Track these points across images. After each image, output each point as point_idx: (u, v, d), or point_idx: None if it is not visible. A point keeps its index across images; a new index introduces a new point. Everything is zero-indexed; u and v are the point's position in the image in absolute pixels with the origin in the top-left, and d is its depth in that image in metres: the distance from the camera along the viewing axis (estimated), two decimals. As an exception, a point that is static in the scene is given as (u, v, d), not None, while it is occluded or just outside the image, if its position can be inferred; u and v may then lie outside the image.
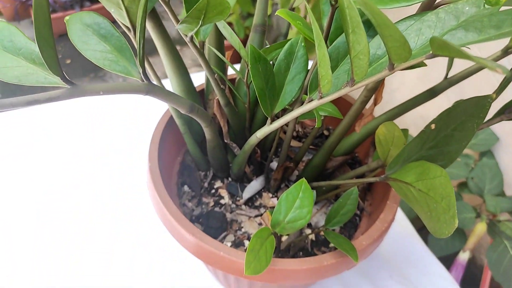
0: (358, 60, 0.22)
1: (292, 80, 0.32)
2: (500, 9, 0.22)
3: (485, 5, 0.21)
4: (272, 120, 0.33)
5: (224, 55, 0.40)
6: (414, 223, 0.67)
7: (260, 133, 0.34)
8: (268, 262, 0.29)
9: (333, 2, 0.27)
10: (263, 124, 0.45)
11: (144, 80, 0.28)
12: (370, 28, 0.29)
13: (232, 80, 0.47)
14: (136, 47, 0.29)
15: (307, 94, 0.32)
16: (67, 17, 0.29)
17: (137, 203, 0.56)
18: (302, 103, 0.35)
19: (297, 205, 0.30)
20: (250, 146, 0.37)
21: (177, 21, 0.29)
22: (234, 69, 0.35)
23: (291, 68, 0.32)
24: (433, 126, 0.31)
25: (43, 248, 0.50)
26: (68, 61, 1.90)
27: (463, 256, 0.81)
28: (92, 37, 0.28)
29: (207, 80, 0.43)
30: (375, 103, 0.37)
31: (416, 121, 1.04)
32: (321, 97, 0.27)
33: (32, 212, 0.54)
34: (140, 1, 0.28)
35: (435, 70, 1.05)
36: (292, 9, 0.41)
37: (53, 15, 1.84)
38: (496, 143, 0.86)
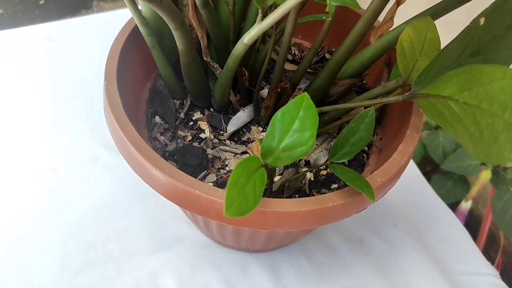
0: None
1: (292, -43, 0.23)
2: None
3: None
4: (264, 16, 0.24)
5: None
6: (419, 166, 0.61)
7: (248, 37, 0.26)
8: (257, 201, 0.21)
9: None
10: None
11: None
12: None
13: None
14: None
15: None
16: None
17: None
18: (304, -6, 0.26)
19: (296, 127, 0.23)
20: (235, 59, 0.29)
21: None
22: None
23: None
24: (482, 20, 0.23)
25: None
26: (42, 1, 1.74)
27: (465, 205, 0.76)
28: None
29: (181, -22, 0.34)
30: (397, 3, 0.28)
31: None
32: (336, -38, 0.18)
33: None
34: None
35: None
36: None
37: None
38: None
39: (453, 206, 0.81)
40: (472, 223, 0.97)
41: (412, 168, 0.53)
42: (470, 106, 0.20)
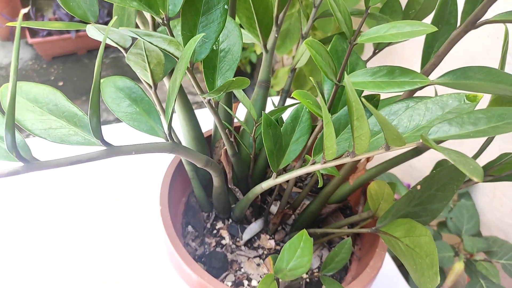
0: (360, 140, 0.26)
1: (297, 141, 0.36)
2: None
3: (465, 100, 0.26)
4: (278, 175, 0.36)
5: (231, 110, 0.44)
6: (395, 259, 0.71)
7: (265, 185, 0.38)
8: (273, 307, 0.32)
9: (336, 82, 0.31)
10: (263, 171, 0.49)
11: (169, 140, 0.32)
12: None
13: (236, 128, 0.51)
14: (155, 102, 0.32)
15: (309, 154, 0.36)
16: (102, 80, 0.32)
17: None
18: (304, 161, 0.39)
19: (298, 254, 0.34)
20: (254, 194, 0.40)
21: (201, 90, 0.33)
22: (244, 125, 0.39)
23: (296, 130, 0.36)
24: (419, 187, 0.35)
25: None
26: (61, 83, 1.92)
27: (442, 294, 0.85)
28: (124, 100, 0.32)
29: (215, 130, 0.47)
30: (367, 160, 0.41)
31: (405, 169, 1.11)
32: (324, 162, 0.31)
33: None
34: (162, 65, 0.32)
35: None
36: (294, 70, 0.46)
37: (49, 38, 1.87)
38: (474, 185, 0.92)
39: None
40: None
41: (389, 264, 0.64)
42: (409, 248, 0.32)
